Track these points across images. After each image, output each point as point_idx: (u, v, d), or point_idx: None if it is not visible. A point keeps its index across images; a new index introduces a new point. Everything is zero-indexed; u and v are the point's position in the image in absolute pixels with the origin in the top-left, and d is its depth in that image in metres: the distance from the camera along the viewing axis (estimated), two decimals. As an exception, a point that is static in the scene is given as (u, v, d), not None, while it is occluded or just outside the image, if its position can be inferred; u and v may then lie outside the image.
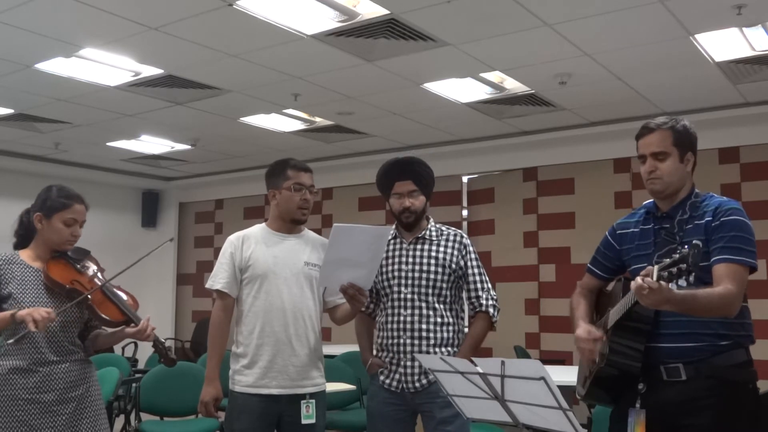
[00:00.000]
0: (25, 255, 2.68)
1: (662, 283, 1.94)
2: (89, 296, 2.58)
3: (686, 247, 1.93)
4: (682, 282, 2.12)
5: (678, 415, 2.20)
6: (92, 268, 2.72)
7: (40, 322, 2.36)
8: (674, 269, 1.92)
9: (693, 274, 2.05)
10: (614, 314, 2.28)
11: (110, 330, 2.76)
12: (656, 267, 1.95)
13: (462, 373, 2.07)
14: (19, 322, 2.42)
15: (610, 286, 2.53)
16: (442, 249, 3.01)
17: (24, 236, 2.73)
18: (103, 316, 2.60)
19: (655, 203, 2.41)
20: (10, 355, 2.55)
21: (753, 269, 2.20)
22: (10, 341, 2.44)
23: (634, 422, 2.23)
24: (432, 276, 2.96)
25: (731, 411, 2.16)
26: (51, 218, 2.63)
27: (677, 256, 1.92)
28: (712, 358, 2.20)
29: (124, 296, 2.70)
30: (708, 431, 2.16)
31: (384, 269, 3.00)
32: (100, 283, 2.66)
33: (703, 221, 2.26)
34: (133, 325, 2.62)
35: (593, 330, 2.32)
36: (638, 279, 1.99)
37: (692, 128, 2.38)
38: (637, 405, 2.25)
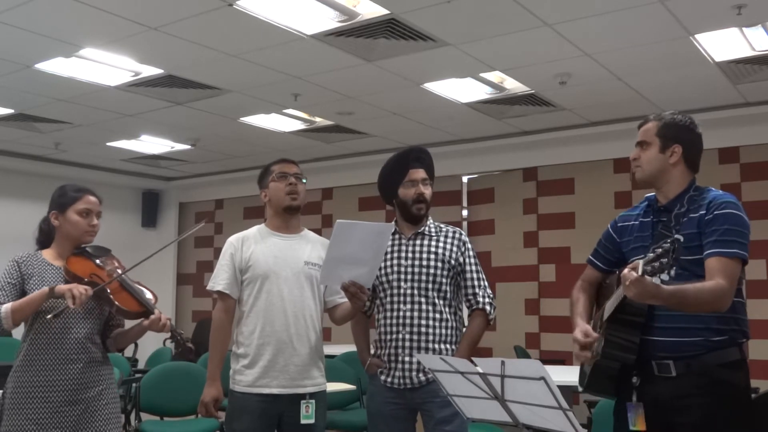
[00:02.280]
0: (47, 254, 2.73)
1: (646, 277, 1.94)
2: (107, 287, 2.60)
3: (668, 241, 1.93)
4: (664, 276, 2.11)
5: (669, 412, 2.20)
6: (112, 263, 2.76)
7: (78, 298, 2.42)
8: (657, 263, 1.93)
9: (674, 268, 2.05)
10: (609, 306, 2.29)
11: (129, 325, 2.79)
12: (641, 261, 1.96)
13: (462, 373, 2.06)
14: (59, 296, 2.47)
15: (609, 279, 2.53)
16: (441, 244, 3.01)
17: (44, 242, 2.79)
18: (122, 306, 2.62)
19: (656, 195, 2.42)
20: (27, 353, 2.59)
21: (745, 262, 2.20)
22: (49, 316, 2.48)
23: (634, 417, 2.23)
24: (432, 271, 2.96)
25: (722, 411, 2.15)
26: (66, 212, 2.70)
27: (660, 250, 1.93)
28: (704, 356, 2.19)
29: (144, 290, 2.73)
30: (699, 430, 2.16)
31: (383, 264, 2.99)
32: (118, 276, 2.69)
33: (697, 215, 2.27)
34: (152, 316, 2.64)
35: (590, 331, 2.32)
36: (625, 270, 2.01)
37: (686, 122, 2.37)
38: (634, 399, 2.25)
